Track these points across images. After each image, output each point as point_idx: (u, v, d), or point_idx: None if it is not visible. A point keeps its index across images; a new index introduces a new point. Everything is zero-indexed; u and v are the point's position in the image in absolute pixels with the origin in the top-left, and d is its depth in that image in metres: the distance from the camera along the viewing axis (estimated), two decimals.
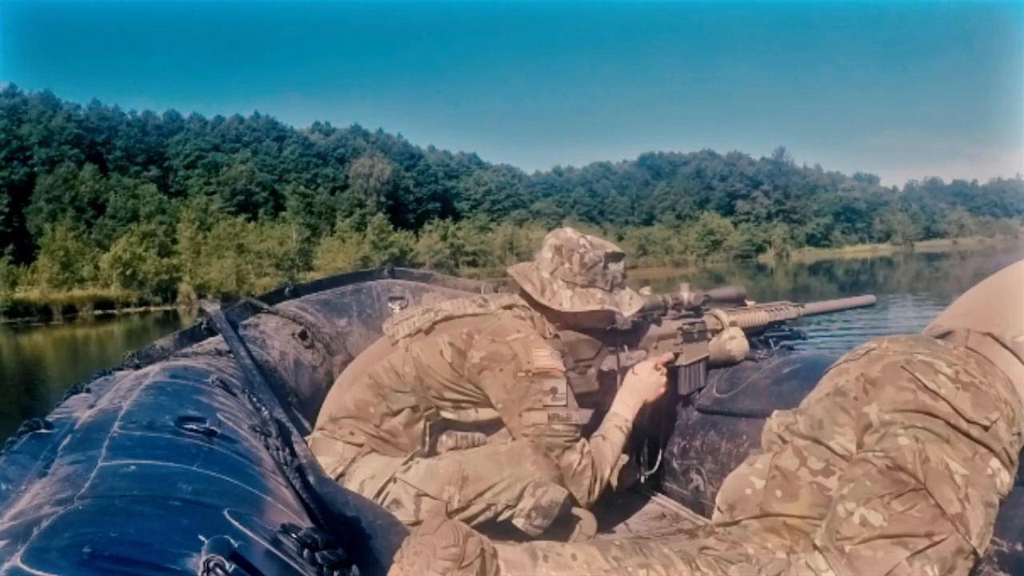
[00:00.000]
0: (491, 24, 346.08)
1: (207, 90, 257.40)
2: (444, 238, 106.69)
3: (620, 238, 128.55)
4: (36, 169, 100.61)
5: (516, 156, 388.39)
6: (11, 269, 74.09)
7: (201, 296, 59.29)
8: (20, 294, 68.67)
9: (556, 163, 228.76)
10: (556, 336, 3.21)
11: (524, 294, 3.23)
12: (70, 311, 66.93)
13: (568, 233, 3.24)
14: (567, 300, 3.13)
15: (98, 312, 67.49)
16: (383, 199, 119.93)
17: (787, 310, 3.88)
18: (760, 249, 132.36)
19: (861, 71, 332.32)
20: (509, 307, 3.20)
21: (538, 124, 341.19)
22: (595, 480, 3.02)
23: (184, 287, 74.80)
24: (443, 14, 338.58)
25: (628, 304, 3.23)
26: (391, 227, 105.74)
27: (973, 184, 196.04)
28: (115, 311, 68.19)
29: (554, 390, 2.96)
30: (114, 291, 72.34)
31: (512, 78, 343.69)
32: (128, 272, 73.76)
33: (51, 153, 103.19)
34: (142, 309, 69.67)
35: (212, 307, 3.70)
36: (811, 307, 4.04)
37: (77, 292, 71.30)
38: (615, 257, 3.24)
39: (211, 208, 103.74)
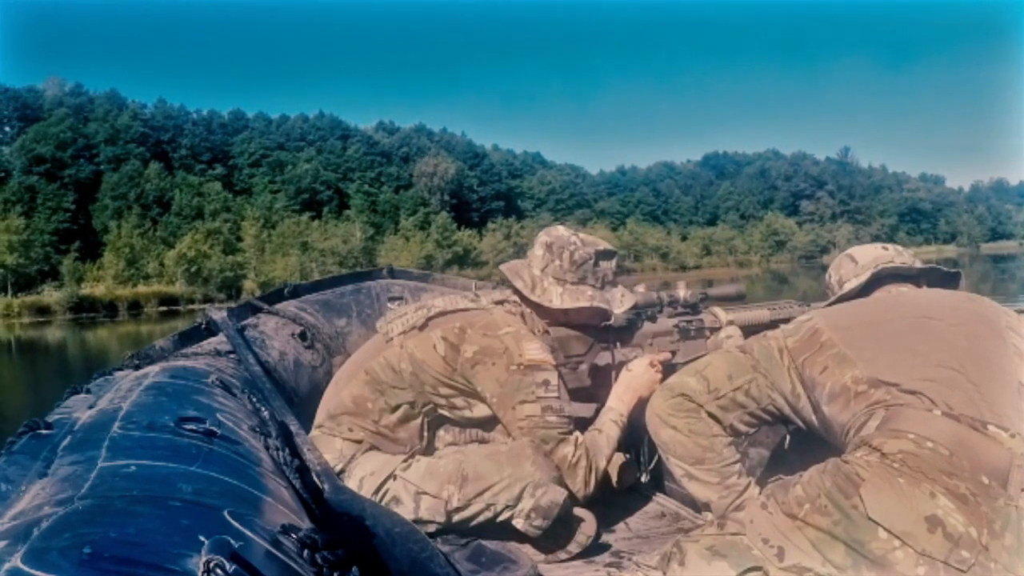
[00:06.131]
0: (554, 24, 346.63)
1: (272, 89, 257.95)
2: (508, 237, 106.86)
3: (684, 238, 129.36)
4: (102, 167, 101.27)
5: (580, 155, 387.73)
6: (77, 265, 75.34)
7: None
8: (86, 290, 69.89)
9: (620, 162, 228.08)
10: (546, 332, 3.26)
11: (516, 291, 3.28)
12: (135, 307, 68.19)
13: (559, 231, 3.32)
14: (557, 297, 3.19)
15: (163, 308, 68.71)
16: (447, 198, 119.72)
17: (791, 309, 3.84)
18: (824, 250, 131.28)
19: (926, 70, 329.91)
20: (500, 302, 3.27)
21: (602, 123, 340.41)
22: (590, 471, 3.06)
23: (249, 284, 75.57)
24: (506, 14, 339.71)
25: (619, 301, 3.30)
26: (455, 226, 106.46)
27: None
28: (180, 307, 69.18)
29: (546, 382, 3.01)
30: (179, 288, 73.56)
31: (576, 77, 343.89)
32: (193, 269, 75.09)
33: (117, 151, 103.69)
34: (206, 306, 69.98)
35: (219, 315, 3.71)
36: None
37: (142, 288, 72.65)
38: (606, 255, 3.29)
39: (276, 206, 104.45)
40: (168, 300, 71.25)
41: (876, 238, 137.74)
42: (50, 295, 67.81)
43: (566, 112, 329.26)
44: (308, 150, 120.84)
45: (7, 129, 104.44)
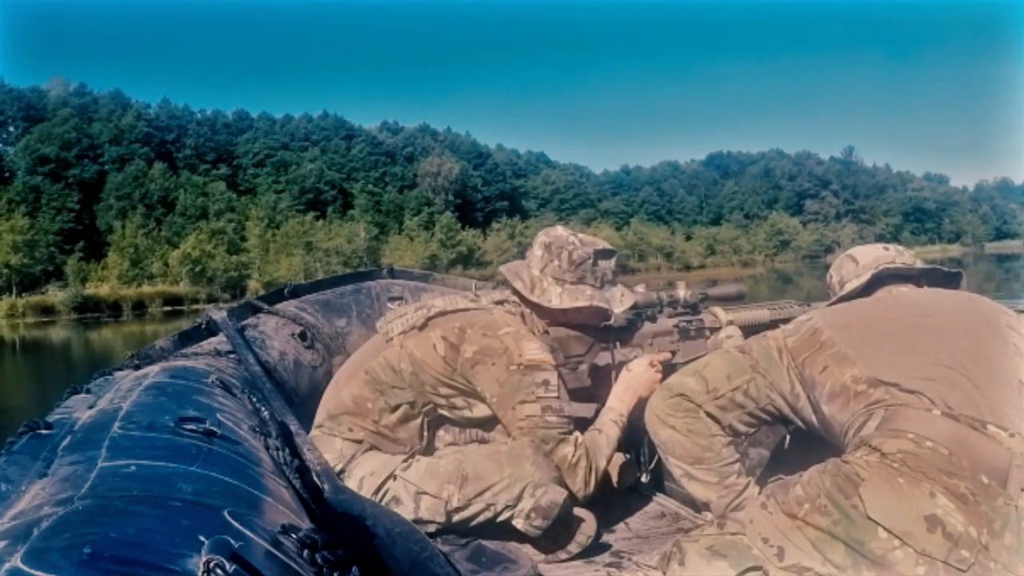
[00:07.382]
0: (558, 24, 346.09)
1: (276, 89, 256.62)
2: (512, 237, 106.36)
3: (688, 238, 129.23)
4: (106, 167, 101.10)
5: (584, 155, 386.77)
6: (82, 265, 75.43)
7: None
8: (90, 290, 69.93)
9: (624, 162, 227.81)
10: (546, 332, 3.26)
11: (515, 291, 3.28)
12: (139, 307, 68.37)
13: (558, 231, 3.33)
14: (556, 297, 3.19)
15: (167, 308, 68.81)
16: (451, 198, 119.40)
17: (791, 309, 3.85)
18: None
19: (930, 69, 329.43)
20: (500, 302, 3.27)
21: (606, 123, 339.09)
22: (590, 471, 3.05)
23: (253, 284, 75.53)
24: (510, 13, 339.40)
25: (619, 301, 3.30)
26: (459, 226, 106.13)
27: None
28: (184, 307, 69.13)
29: (546, 382, 3.01)
30: (183, 288, 73.66)
31: (580, 77, 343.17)
32: (197, 269, 75.16)
33: (121, 151, 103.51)
34: (210, 306, 69.87)
35: (219, 315, 3.72)
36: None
37: (146, 288, 72.80)
38: (605, 254, 3.29)
39: (280, 206, 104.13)
40: (172, 300, 71.42)
41: (880, 237, 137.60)
42: (54, 295, 67.96)
43: (570, 112, 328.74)
44: (312, 150, 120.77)
45: (11, 129, 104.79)
